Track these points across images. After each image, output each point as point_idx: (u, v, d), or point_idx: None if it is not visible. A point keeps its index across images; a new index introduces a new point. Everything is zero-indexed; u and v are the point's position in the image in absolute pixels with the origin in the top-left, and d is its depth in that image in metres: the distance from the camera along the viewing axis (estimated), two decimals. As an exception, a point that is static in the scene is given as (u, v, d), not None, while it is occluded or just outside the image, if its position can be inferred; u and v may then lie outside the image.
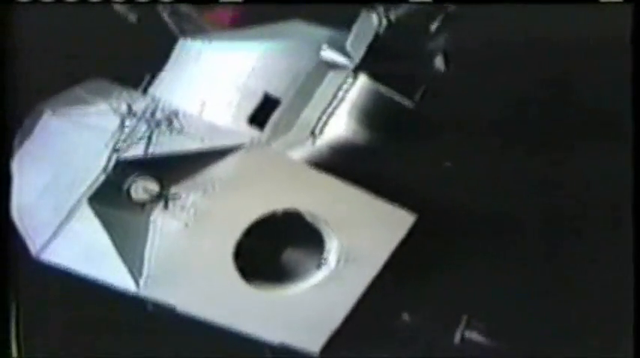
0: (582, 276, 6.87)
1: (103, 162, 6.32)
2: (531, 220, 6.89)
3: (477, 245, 6.81)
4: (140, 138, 6.38)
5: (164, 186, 6.44)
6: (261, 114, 6.62)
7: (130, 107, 6.45)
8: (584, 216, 6.96)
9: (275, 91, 6.67)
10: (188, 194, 6.48)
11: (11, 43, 6.51)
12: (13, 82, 6.48)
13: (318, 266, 6.71)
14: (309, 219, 6.63)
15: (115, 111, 6.45)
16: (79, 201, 6.36)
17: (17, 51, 6.46)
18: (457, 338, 6.85)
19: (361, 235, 6.69)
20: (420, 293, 6.86)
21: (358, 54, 6.63)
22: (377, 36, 6.63)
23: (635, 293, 6.07)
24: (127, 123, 6.42)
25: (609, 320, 6.78)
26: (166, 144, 6.40)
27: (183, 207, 6.47)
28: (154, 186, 6.42)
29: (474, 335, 6.91)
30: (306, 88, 6.70)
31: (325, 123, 6.71)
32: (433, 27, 6.71)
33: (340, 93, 6.68)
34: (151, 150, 6.38)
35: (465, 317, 6.86)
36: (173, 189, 6.45)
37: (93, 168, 6.33)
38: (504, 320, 6.89)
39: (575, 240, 6.94)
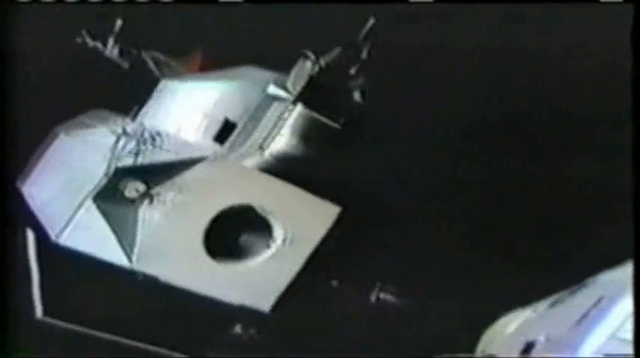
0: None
1: (103, 170, 6.53)
2: (432, 208, 6.99)
3: (388, 227, 6.89)
4: (131, 152, 6.62)
5: (149, 187, 6.64)
6: (223, 134, 6.80)
7: (124, 129, 6.67)
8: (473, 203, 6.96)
9: (233, 117, 6.86)
10: (167, 193, 6.66)
11: (11, 43, 6.41)
12: (13, 81, 6.48)
13: (267, 246, 6.84)
14: (259, 211, 6.80)
15: (113, 132, 6.66)
16: (85, 198, 6.60)
17: (17, 51, 6.46)
18: (373, 298, 6.96)
19: (300, 222, 6.85)
20: (346, 265, 6.93)
21: (296, 90, 6.82)
22: (311, 77, 6.82)
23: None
24: (122, 141, 6.62)
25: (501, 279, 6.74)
26: (151, 156, 6.63)
27: (164, 203, 6.66)
28: (141, 187, 6.63)
29: (386, 297, 7.03)
30: (256, 115, 6.89)
31: (271, 140, 6.89)
32: (352, 70, 6.91)
33: (282, 119, 6.85)
34: (139, 160, 6.56)
35: (378, 283, 6.96)
36: (156, 189, 6.65)
37: (96, 174, 6.55)
38: (411, 284, 6.91)
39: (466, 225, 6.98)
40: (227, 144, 6.82)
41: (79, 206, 6.60)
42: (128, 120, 6.78)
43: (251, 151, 6.84)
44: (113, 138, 6.60)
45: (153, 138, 6.65)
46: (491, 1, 6.43)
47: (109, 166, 6.56)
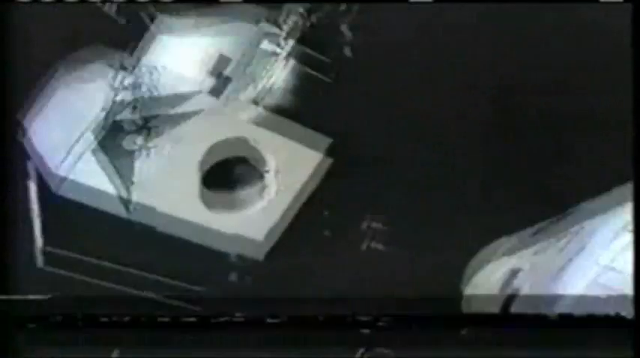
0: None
1: (102, 103, 6.62)
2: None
3: (378, 171, 6.95)
4: (129, 88, 6.65)
5: (147, 139, 6.73)
6: (217, 68, 6.79)
7: (121, 63, 6.69)
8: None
9: (227, 52, 6.87)
10: (165, 145, 6.75)
11: (11, 43, 6.50)
12: (13, 81, 6.58)
13: (262, 197, 6.90)
14: (253, 163, 6.94)
15: (110, 66, 6.71)
16: (83, 152, 6.71)
17: (17, 51, 6.56)
18: (364, 247, 7.03)
19: (294, 174, 6.97)
20: (337, 213, 6.99)
21: (288, 25, 6.91)
22: (302, 33, 6.91)
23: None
24: (120, 74, 6.65)
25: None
26: (149, 108, 6.70)
27: (160, 155, 6.75)
28: (140, 140, 6.70)
29: (377, 246, 7.09)
30: (249, 50, 6.91)
31: (265, 94, 6.94)
32: (343, 27, 6.98)
33: (275, 54, 6.91)
34: (137, 112, 6.67)
35: (369, 233, 6.96)
36: (154, 142, 6.73)
37: (95, 108, 6.64)
38: (401, 227, 6.96)
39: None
40: (222, 97, 6.86)
41: (77, 158, 6.71)
42: (125, 54, 6.80)
43: (245, 105, 6.90)
44: (111, 72, 6.66)
45: (150, 73, 6.67)
46: (490, 1, 6.43)
47: (106, 100, 6.59)
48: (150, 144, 6.75)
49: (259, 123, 6.91)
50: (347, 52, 6.97)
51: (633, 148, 5.89)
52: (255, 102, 6.91)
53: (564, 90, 6.61)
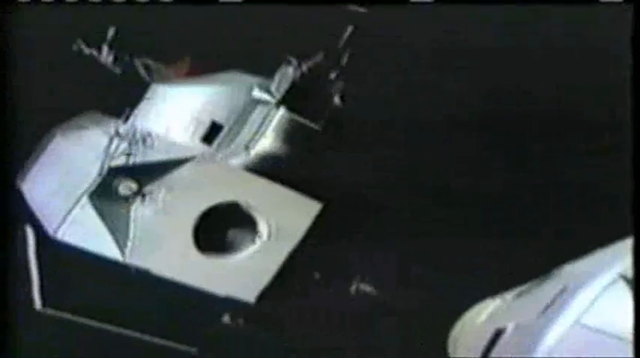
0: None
1: (97, 169, 6.74)
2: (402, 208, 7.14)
3: (366, 222, 7.09)
4: (123, 152, 6.81)
5: (141, 185, 6.86)
6: (210, 135, 6.99)
7: (116, 131, 6.84)
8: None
9: (219, 120, 7.05)
10: (158, 191, 6.88)
11: (11, 42, 6.53)
12: (13, 81, 6.62)
13: (253, 241, 7.06)
14: (244, 207, 7.01)
15: (106, 133, 6.84)
16: (80, 196, 6.80)
17: (17, 51, 6.59)
18: (353, 289, 7.19)
19: (283, 218, 7.08)
20: (327, 258, 7.14)
21: (279, 93, 7.03)
22: (293, 82, 7.03)
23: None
24: (114, 141, 6.81)
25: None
26: (143, 156, 6.83)
27: (155, 201, 6.86)
28: (134, 186, 6.83)
29: (365, 288, 7.27)
30: (241, 117, 7.09)
31: (256, 141, 7.08)
32: (332, 76, 7.10)
33: (266, 121, 7.04)
34: (131, 160, 6.77)
35: (358, 275, 7.16)
36: (148, 188, 6.86)
37: (90, 174, 6.77)
38: (388, 276, 7.10)
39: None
40: (214, 144, 7.01)
41: (75, 203, 6.80)
42: (120, 122, 6.95)
43: (237, 151, 7.03)
44: (106, 139, 6.79)
45: (144, 139, 6.83)
46: (490, 1, 6.40)
47: (102, 166, 6.74)
48: (144, 190, 6.86)
49: (250, 169, 7.00)
50: (336, 100, 7.08)
51: (633, 149, 5.82)
52: (247, 148, 7.03)
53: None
